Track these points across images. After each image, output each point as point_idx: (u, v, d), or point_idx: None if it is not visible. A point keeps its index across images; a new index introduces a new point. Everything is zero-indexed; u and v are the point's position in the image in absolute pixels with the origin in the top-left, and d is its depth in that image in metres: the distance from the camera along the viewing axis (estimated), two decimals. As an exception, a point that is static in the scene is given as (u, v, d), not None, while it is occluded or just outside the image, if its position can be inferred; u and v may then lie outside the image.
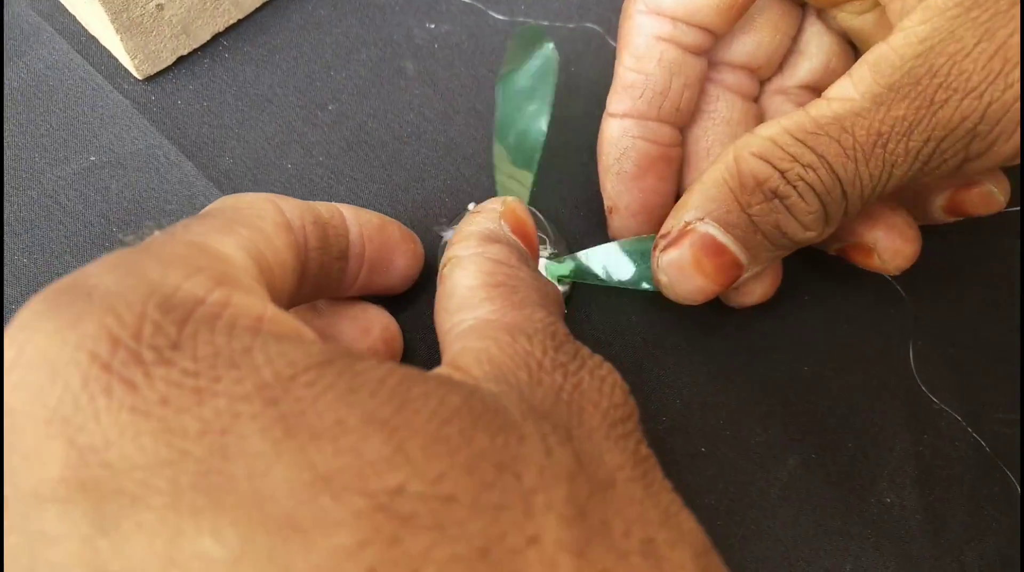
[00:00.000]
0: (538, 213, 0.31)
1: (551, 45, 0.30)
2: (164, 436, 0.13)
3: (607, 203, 0.29)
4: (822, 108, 0.23)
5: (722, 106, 0.28)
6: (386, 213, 0.31)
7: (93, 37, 0.34)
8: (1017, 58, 0.20)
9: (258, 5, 0.35)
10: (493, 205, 0.25)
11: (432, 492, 0.14)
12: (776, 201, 0.23)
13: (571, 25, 0.36)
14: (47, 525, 0.13)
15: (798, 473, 0.28)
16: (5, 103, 0.33)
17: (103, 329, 0.14)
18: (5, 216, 0.30)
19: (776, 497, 0.28)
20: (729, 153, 0.24)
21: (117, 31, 0.30)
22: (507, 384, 0.17)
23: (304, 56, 0.34)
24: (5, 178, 0.31)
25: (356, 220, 0.25)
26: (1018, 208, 0.32)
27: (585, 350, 0.19)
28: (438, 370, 0.19)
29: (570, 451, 0.16)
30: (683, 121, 0.28)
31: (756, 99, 0.29)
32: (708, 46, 0.27)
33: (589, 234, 0.32)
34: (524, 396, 0.17)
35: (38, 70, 0.33)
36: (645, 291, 0.28)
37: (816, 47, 0.28)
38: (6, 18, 0.34)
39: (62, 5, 0.34)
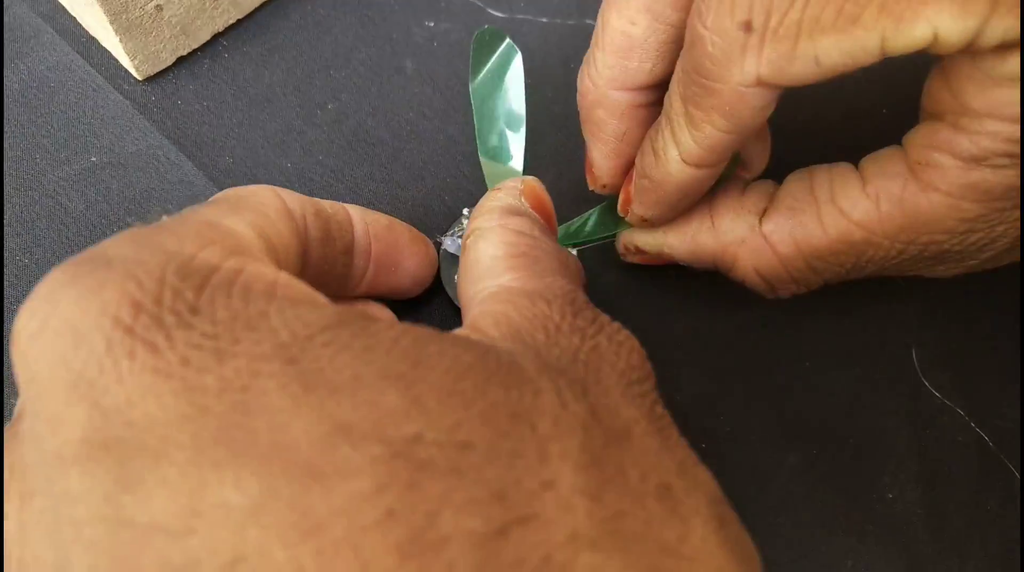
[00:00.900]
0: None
1: (508, 41, 0.30)
2: (186, 394, 0.14)
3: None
4: (841, 230, 0.23)
5: None
6: (386, 211, 0.31)
7: (93, 38, 0.34)
8: None
9: (257, 5, 0.35)
10: (513, 183, 0.26)
11: (448, 439, 0.14)
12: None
13: (571, 22, 0.36)
14: (71, 484, 0.13)
15: (799, 469, 0.28)
16: (7, 105, 0.33)
17: (125, 295, 0.14)
18: (7, 216, 0.31)
19: (777, 493, 0.28)
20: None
21: (116, 32, 0.31)
22: (523, 344, 0.18)
23: (303, 55, 0.34)
24: (6, 179, 0.31)
25: (362, 218, 0.25)
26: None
27: (604, 317, 0.20)
28: (456, 331, 0.19)
29: (585, 405, 0.16)
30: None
31: None
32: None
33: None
34: (540, 355, 0.17)
35: (39, 72, 0.34)
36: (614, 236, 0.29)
37: None
38: (8, 20, 0.35)
39: (63, 7, 0.34)
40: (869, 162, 0.24)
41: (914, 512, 0.28)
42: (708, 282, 0.31)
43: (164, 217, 0.19)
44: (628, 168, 0.27)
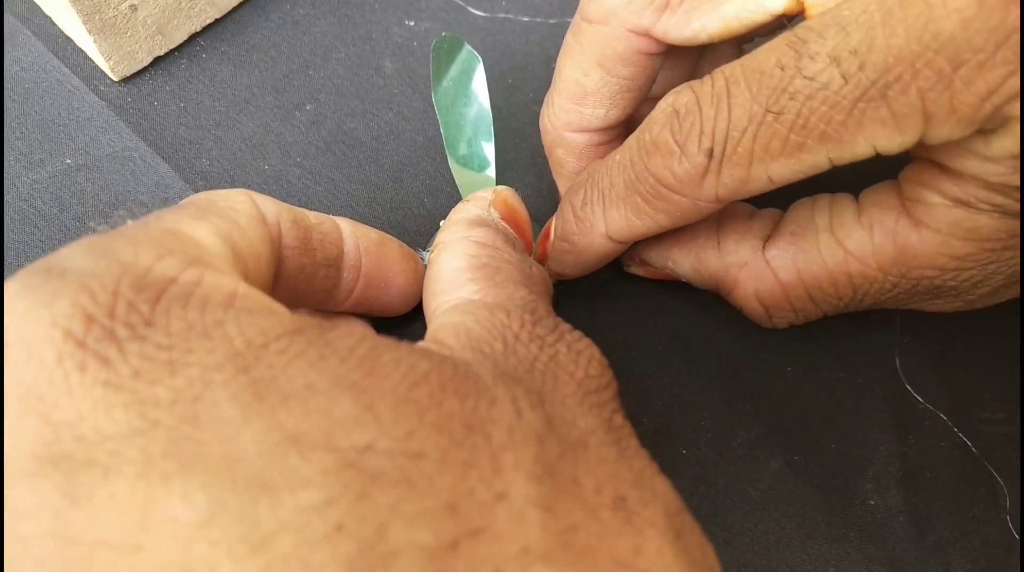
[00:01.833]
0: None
1: (467, 47, 0.30)
2: (136, 407, 0.13)
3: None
4: (837, 260, 0.24)
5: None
6: (364, 213, 0.31)
7: (69, 39, 0.34)
8: None
9: (235, 4, 0.34)
10: (484, 194, 0.26)
11: (400, 448, 0.14)
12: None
13: (552, 21, 0.35)
14: (18, 500, 0.13)
15: (781, 475, 0.28)
16: (-19, 106, 0.32)
17: (77, 307, 0.14)
18: (-20, 220, 0.30)
19: (759, 499, 0.27)
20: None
21: (90, 32, 0.30)
22: (481, 353, 0.18)
23: (282, 55, 0.34)
24: (-20, 182, 0.31)
25: (353, 233, 0.25)
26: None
27: (565, 325, 0.20)
28: (416, 344, 0.19)
29: (541, 414, 0.16)
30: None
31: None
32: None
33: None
34: (498, 364, 0.17)
35: (14, 72, 0.33)
36: None
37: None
38: (-18, 20, 0.34)
39: (38, 7, 0.34)
40: (867, 194, 0.24)
41: (896, 518, 0.27)
42: (691, 287, 0.30)
43: (128, 221, 0.19)
44: None
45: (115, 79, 0.33)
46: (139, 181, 0.31)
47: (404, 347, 0.16)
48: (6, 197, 0.31)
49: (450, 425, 0.14)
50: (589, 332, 0.29)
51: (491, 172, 0.30)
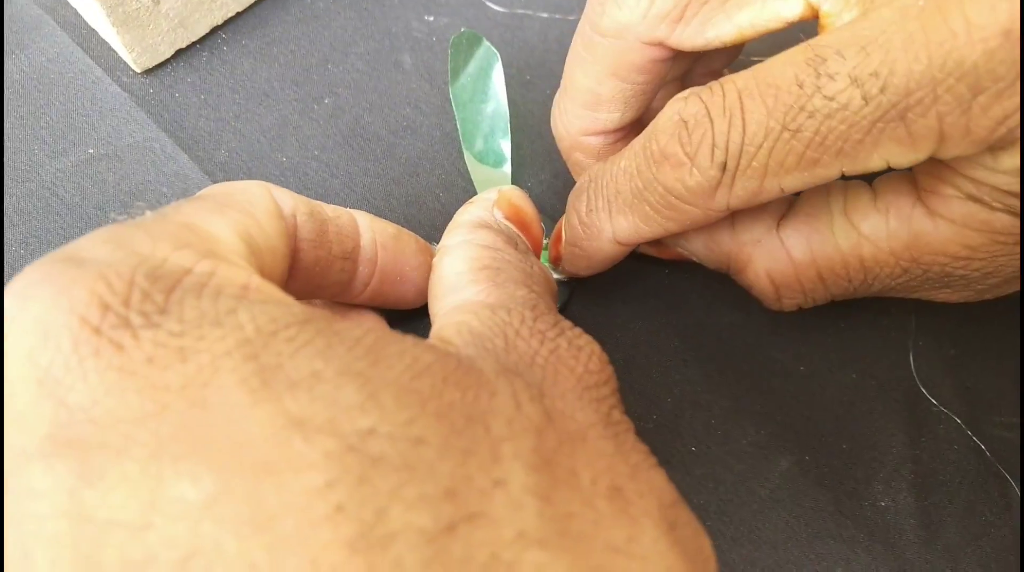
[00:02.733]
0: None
1: (487, 43, 0.30)
2: (148, 392, 0.14)
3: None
4: (851, 243, 0.24)
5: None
6: (380, 206, 0.31)
7: (93, 30, 0.34)
8: None
9: (257, -2, 0.35)
10: (488, 194, 0.26)
11: (402, 433, 0.14)
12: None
13: (571, 17, 0.35)
14: (34, 480, 0.14)
15: (791, 474, 0.28)
16: (8, 97, 0.33)
17: (93, 295, 0.15)
18: (5, 208, 0.31)
19: (767, 498, 0.27)
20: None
21: (113, 24, 0.31)
22: (483, 349, 0.18)
23: (302, 49, 0.34)
24: (5, 170, 0.32)
25: (370, 226, 0.25)
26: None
27: (566, 322, 0.20)
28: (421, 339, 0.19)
29: (540, 407, 0.16)
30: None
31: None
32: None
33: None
34: (499, 359, 0.18)
35: (39, 63, 0.34)
36: None
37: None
38: (9, 11, 0.35)
39: (64, -2, 0.35)
40: (882, 181, 0.24)
41: (907, 520, 0.27)
42: (703, 284, 0.31)
43: (147, 212, 0.19)
44: None
45: (138, 71, 0.33)
46: (159, 171, 0.32)
47: (409, 340, 0.16)
48: (30, 185, 0.31)
49: (451, 414, 0.15)
50: (603, 329, 0.30)
51: (507, 169, 0.30)
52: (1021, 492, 0.28)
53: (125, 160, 0.32)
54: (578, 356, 0.19)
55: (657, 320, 0.30)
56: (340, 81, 0.34)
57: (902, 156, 0.20)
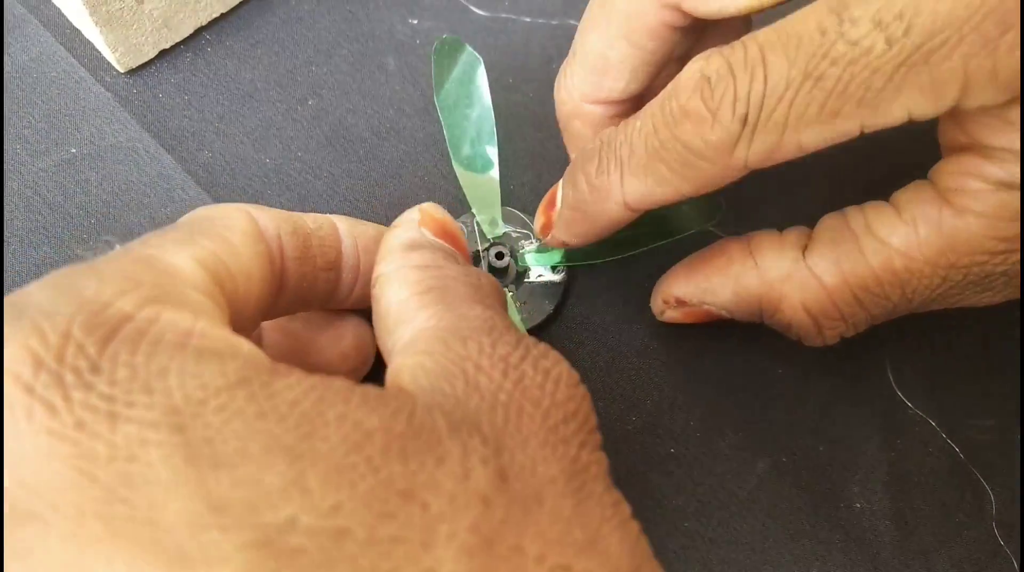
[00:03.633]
0: (516, 211, 0.31)
1: (468, 48, 0.30)
2: (75, 461, 0.13)
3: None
4: (882, 258, 0.23)
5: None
6: (363, 208, 0.32)
7: (77, 30, 0.34)
8: None
9: (241, -1, 0.35)
10: (410, 215, 0.25)
11: (323, 525, 0.13)
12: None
13: (554, 22, 0.36)
14: None
15: (768, 476, 0.28)
16: (-11, 95, 0.33)
17: (27, 350, 0.14)
18: (-15, 207, 0.31)
19: (745, 500, 0.28)
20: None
21: (97, 24, 0.31)
22: (442, 395, 0.17)
23: (286, 51, 0.34)
24: (-14, 169, 0.31)
25: (350, 232, 0.24)
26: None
27: (529, 339, 0.19)
28: (375, 390, 0.18)
29: (493, 469, 0.15)
30: None
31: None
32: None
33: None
34: (460, 404, 0.17)
35: (22, 62, 0.34)
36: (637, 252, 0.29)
37: None
38: (-8, 10, 0.35)
39: (47, -3, 0.34)
40: (899, 194, 0.24)
41: (881, 521, 0.28)
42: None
43: (116, 246, 0.19)
44: None
45: (121, 71, 0.33)
46: (142, 171, 0.32)
47: (356, 398, 0.15)
48: (12, 184, 0.31)
49: (384, 495, 0.14)
50: (582, 334, 0.30)
51: (495, 174, 0.30)
52: (996, 494, 0.28)
53: (108, 160, 0.32)
54: (544, 385, 0.17)
55: (637, 323, 0.30)
56: (324, 83, 0.34)
57: (925, 105, 0.19)
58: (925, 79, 0.19)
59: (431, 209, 0.25)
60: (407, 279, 0.21)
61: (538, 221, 0.28)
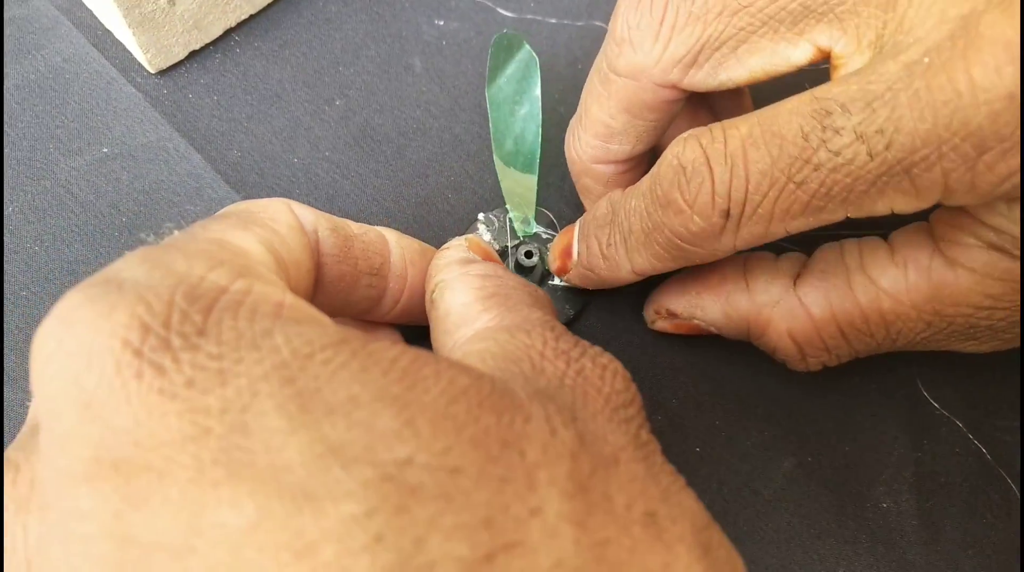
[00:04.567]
0: (548, 212, 0.31)
1: (527, 47, 0.30)
2: (189, 415, 0.14)
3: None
4: (870, 297, 0.24)
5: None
6: (390, 208, 0.32)
7: (108, 31, 0.34)
8: None
9: (270, 1, 0.35)
10: (457, 241, 0.26)
11: (439, 463, 0.14)
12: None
13: (579, 23, 0.36)
14: (80, 501, 0.14)
15: (793, 475, 0.28)
16: (23, 96, 0.33)
17: (134, 318, 0.15)
18: (20, 205, 0.31)
19: (770, 499, 0.28)
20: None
21: (129, 26, 0.31)
22: (512, 373, 0.18)
23: (313, 52, 0.35)
24: (20, 169, 0.32)
25: (398, 243, 0.25)
26: None
27: (584, 341, 0.20)
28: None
29: (573, 431, 0.16)
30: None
31: None
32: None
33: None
34: (529, 382, 0.17)
35: (55, 63, 0.34)
36: None
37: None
38: (26, 12, 0.35)
39: (80, 0, 0.35)
40: (898, 234, 0.24)
41: (908, 522, 0.27)
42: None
43: (175, 232, 0.19)
44: None
45: (152, 71, 0.34)
46: (172, 170, 0.32)
47: (444, 360, 0.16)
48: (46, 183, 0.32)
49: (487, 441, 0.15)
50: (606, 333, 0.30)
51: (533, 182, 0.30)
52: (1021, 495, 0.28)
53: (139, 159, 0.32)
54: (603, 375, 0.18)
55: (663, 322, 0.30)
56: (351, 83, 0.34)
57: (907, 205, 0.20)
58: (907, 186, 0.20)
59: (477, 240, 0.26)
60: (470, 285, 0.23)
61: (553, 263, 0.29)
